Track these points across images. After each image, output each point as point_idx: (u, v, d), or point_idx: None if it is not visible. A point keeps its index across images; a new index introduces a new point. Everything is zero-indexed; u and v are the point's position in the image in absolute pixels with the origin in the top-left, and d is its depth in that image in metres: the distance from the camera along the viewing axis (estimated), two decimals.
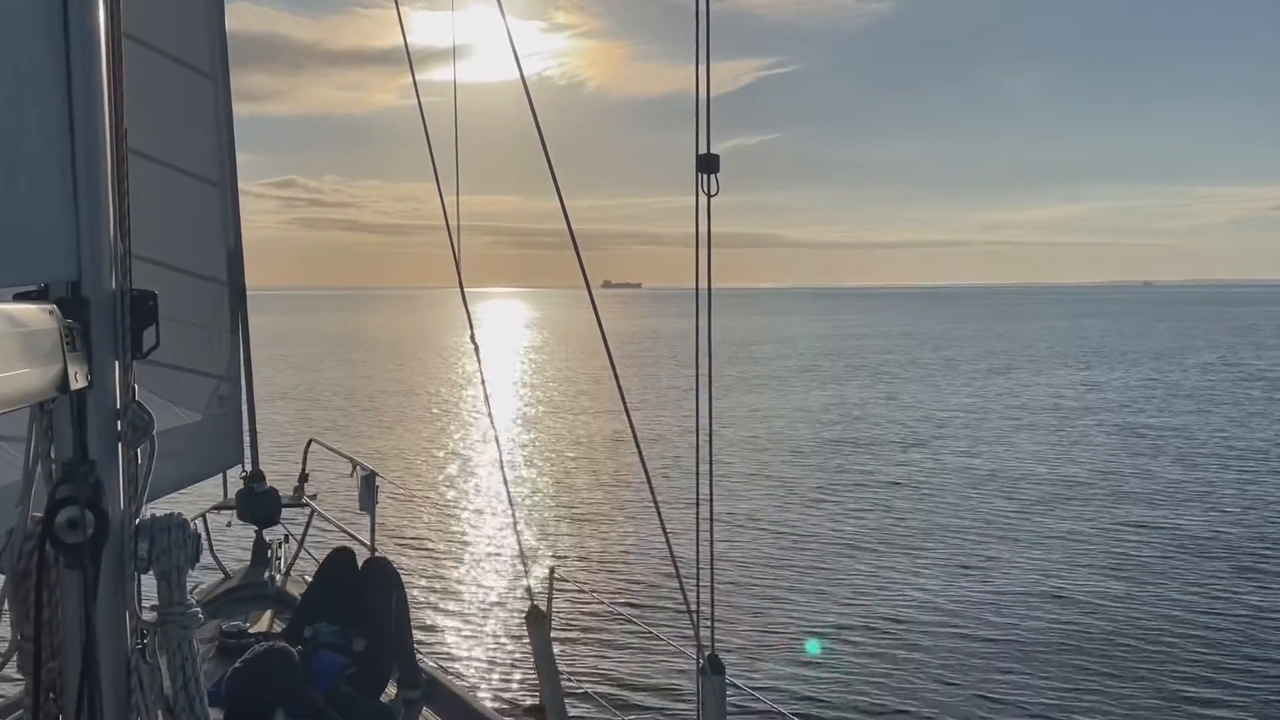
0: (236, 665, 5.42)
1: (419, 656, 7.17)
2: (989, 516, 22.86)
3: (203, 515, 8.77)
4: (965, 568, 18.85)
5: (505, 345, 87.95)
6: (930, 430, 35.55)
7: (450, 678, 7.61)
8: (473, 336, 8.05)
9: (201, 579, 8.83)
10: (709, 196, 5.22)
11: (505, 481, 8.87)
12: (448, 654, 14.42)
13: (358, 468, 9.30)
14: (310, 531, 9.82)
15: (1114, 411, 40.27)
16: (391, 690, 6.70)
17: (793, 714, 11.15)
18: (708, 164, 5.22)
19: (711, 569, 5.34)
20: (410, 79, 7.38)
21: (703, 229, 5.12)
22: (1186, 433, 34.35)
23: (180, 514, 2.71)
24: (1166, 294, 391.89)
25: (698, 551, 5.32)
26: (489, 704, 9.04)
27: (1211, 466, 28.23)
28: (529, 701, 9.80)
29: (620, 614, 14.91)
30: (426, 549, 20.37)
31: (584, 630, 15.13)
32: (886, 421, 38.07)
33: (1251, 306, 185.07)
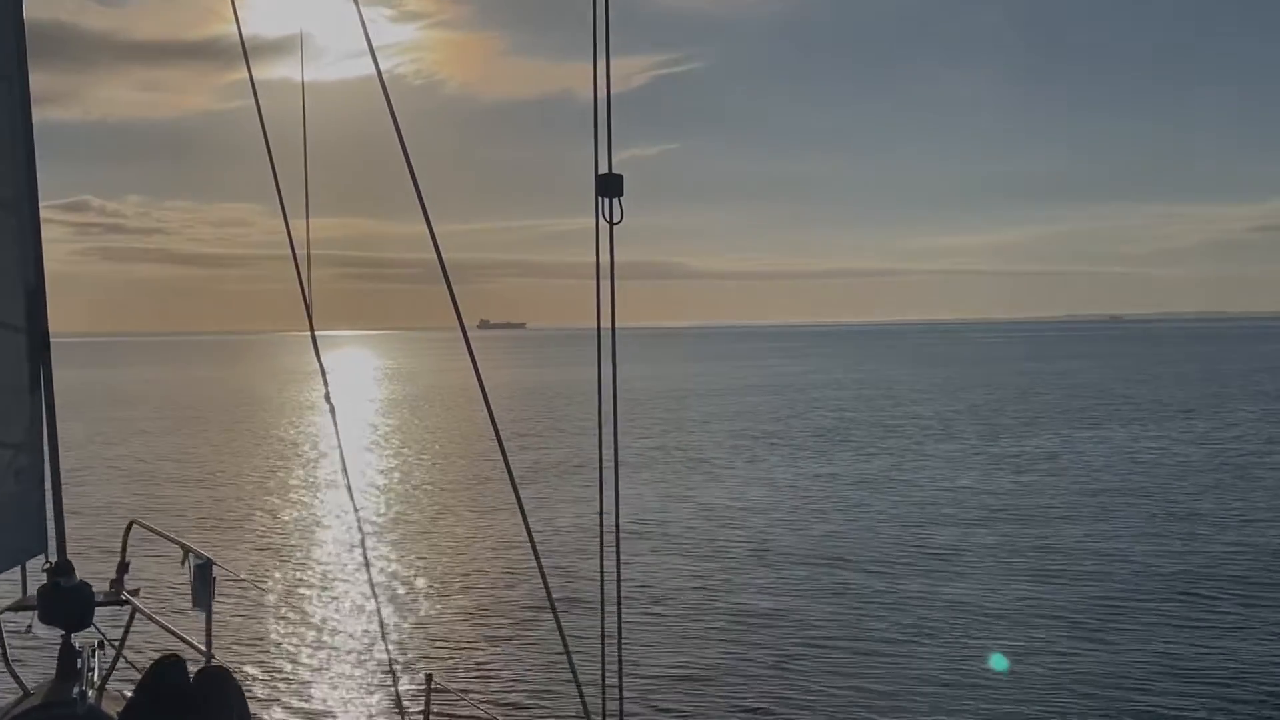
0: None
1: None
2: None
3: None
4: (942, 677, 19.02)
5: (361, 402, 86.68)
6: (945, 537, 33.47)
7: None
8: (328, 395, 7.94)
9: None
10: (611, 224, 5.20)
11: (369, 570, 8.74)
12: None
13: (189, 555, 9.06)
14: (130, 635, 9.53)
15: (1180, 498, 35.06)
16: None
17: None
18: (610, 185, 5.22)
19: (620, 674, 5.28)
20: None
21: (604, 260, 5.11)
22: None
23: None
24: (1141, 330, 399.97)
25: (602, 655, 5.26)
26: None
27: None
28: None
29: None
30: (274, 655, 19.92)
31: None
32: (854, 512, 38.37)
33: (1252, 344, 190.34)
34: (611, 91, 5.11)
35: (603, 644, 5.21)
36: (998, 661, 17.95)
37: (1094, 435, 54.48)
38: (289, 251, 7.32)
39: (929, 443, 52.40)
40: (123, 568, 9.47)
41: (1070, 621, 21.56)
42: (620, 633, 5.23)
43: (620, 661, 5.25)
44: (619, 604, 5.17)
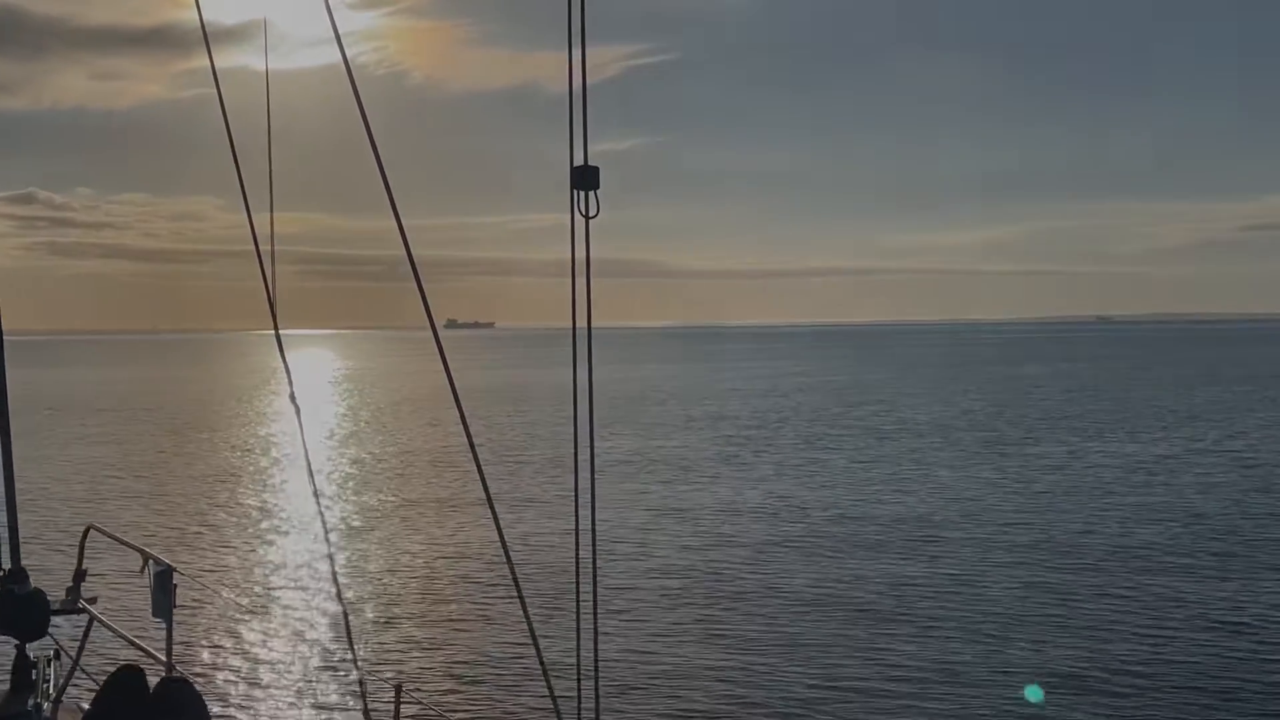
0: None
1: None
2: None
3: None
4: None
5: (326, 404, 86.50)
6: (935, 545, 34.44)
7: None
8: (293, 395, 7.93)
9: None
10: (587, 218, 5.19)
11: (335, 577, 8.74)
12: None
13: (149, 562, 9.04)
14: (88, 645, 9.50)
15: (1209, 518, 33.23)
16: None
17: None
18: (585, 179, 5.21)
19: (596, 684, 5.29)
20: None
21: (580, 255, 5.10)
22: None
23: None
24: (1130, 332, 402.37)
25: (578, 661, 5.26)
26: None
27: None
28: None
29: None
30: (237, 665, 19.87)
31: None
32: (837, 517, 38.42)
33: (1247, 346, 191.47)
34: (585, 81, 5.10)
35: (578, 653, 5.22)
36: (1033, 693, 17.85)
37: (1095, 445, 54.73)
38: (250, 247, 7.31)
39: (923, 450, 52.62)
40: (80, 575, 9.43)
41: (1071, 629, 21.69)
42: (596, 642, 5.24)
43: (596, 672, 5.26)
44: (594, 612, 5.17)
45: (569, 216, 5.10)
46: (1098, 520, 32.76)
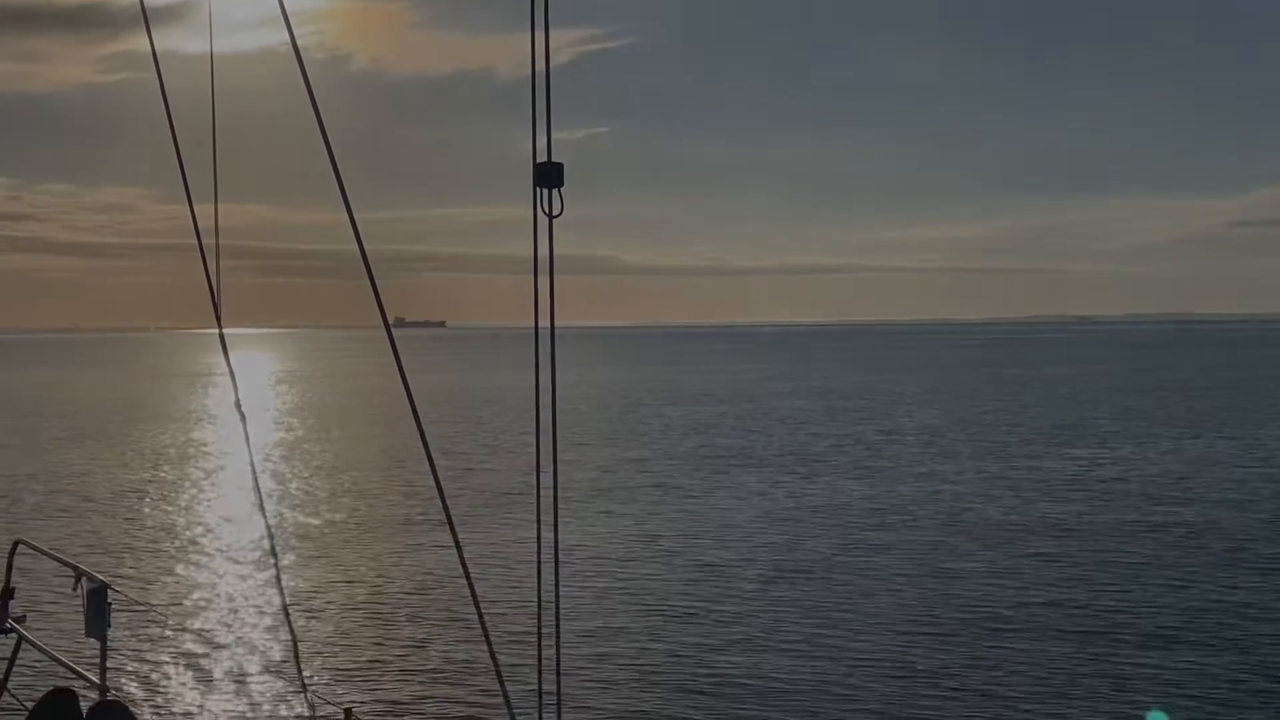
0: None
1: None
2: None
3: None
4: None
5: (271, 409, 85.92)
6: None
7: None
8: (238, 403, 7.90)
9: None
10: (550, 216, 5.19)
11: (282, 594, 8.71)
12: None
13: (82, 578, 8.98)
14: (16, 667, 9.43)
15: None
16: None
17: None
18: (549, 175, 5.20)
19: (559, 709, 5.27)
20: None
21: (544, 254, 5.09)
22: None
23: None
24: (1112, 333, 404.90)
25: (539, 686, 5.25)
26: None
27: None
28: None
29: None
30: (176, 688, 19.76)
31: None
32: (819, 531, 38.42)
33: (1239, 349, 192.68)
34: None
35: (539, 679, 5.21)
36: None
37: (1097, 453, 55.00)
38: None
39: (913, 460, 52.52)
40: (7, 592, 9.37)
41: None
42: (559, 661, 5.24)
43: (559, 696, 5.26)
44: (557, 633, 5.16)
45: (527, 210, 5.11)
46: (1103, 530, 32.97)
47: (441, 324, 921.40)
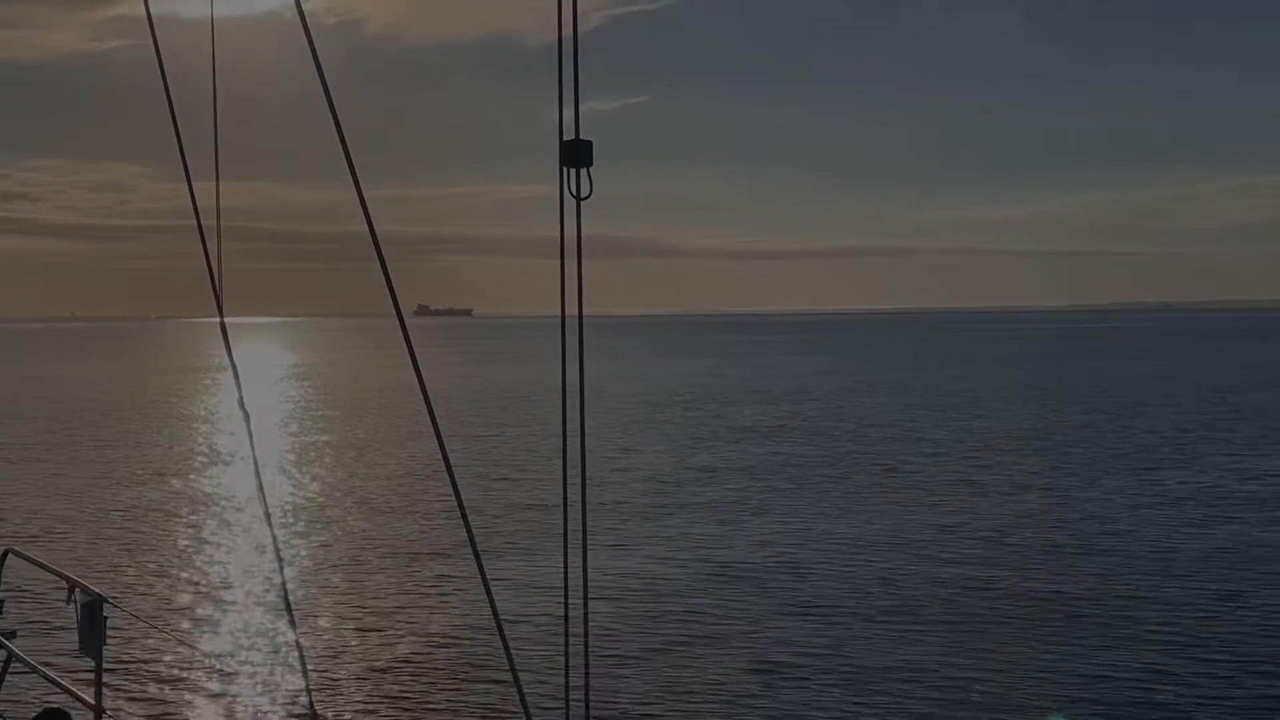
0: None
1: None
2: None
3: None
4: None
5: (276, 406, 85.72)
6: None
7: None
8: (241, 401, 7.89)
9: None
10: (578, 198, 5.15)
11: (289, 610, 8.72)
12: None
13: (76, 590, 9.03)
14: (7, 684, 9.49)
15: None
16: None
17: None
18: (576, 154, 5.16)
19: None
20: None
21: (570, 237, 5.05)
22: None
23: None
24: (1203, 321, 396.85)
25: (567, 708, 5.23)
26: None
27: None
28: None
29: None
30: (174, 709, 19.85)
31: None
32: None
33: None
34: (577, 38, 5.03)
35: (566, 704, 5.20)
36: None
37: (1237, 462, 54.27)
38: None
39: (1027, 472, 48.97)
40: None
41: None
42: (587, 682, 5.22)
43: (588, 707, 5.25)
44: (586, 650, 5.14)
45: (556, 190, 5.06)
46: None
47: (468, 312, 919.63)
